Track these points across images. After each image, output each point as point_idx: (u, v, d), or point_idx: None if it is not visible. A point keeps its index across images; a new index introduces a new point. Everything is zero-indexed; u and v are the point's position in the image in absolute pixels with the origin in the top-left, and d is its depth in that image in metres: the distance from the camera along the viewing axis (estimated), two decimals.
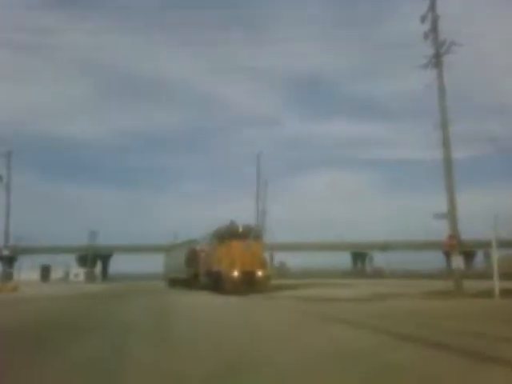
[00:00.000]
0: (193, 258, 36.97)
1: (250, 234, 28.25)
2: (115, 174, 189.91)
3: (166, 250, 57.52)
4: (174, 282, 44.76)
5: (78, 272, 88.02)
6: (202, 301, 22.65)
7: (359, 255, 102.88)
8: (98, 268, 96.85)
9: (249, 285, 25.76)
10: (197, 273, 34.93)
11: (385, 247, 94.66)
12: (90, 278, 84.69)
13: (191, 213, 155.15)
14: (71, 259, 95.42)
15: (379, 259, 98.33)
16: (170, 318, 13.56)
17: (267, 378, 5.45)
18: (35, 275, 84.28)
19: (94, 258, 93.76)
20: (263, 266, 27.78)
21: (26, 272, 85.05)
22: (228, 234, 28.20)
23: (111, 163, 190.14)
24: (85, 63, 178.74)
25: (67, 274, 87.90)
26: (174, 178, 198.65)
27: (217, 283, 28.17)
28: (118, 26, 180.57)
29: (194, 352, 7.40)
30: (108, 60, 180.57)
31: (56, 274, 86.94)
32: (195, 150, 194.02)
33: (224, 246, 27.69)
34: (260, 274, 26.62)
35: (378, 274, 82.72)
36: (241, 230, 28.57)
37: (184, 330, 10.57)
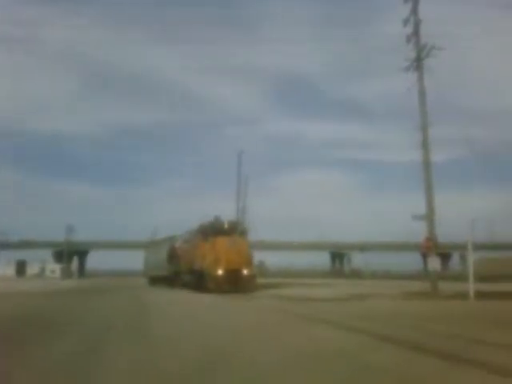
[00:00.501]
0: (174, 254, 35.91)
1: (235, 230, 27.14)
2: (96, 169, 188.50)
3: (147, 246, 56.04)
4: (155, 280, 43.52)
5: (54, 268, 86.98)
6: (183, 299, 22.51)
7: (338, 255, 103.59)
8: (75, 264, 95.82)
9: (234, 284, 24.68)
10: (178, 270, 33.73)
11: (364, 248, 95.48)
12: (67, 274, 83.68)
13: (172, 209, 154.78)
14: (47, 255, 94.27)
15: (358, 260, 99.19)
16: (146, 318, 12.63)
17: (247, 377, 5.46)
18: (10, 271, 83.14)
19: (70, 253, 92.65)
20: (249, 264, 26.43)
21: (1, 267, 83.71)
22: (212, 230, 26.96)
23: (92, 158, 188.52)
24: (69, 58, 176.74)
25: (43, 270, 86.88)
26: (156, 175, 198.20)
27: (200, 281, 26.93)
28: (103, 21, 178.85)
29: (175, 351, 7.35)
30: (92, 55, 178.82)
31: (32, 269, 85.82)
32: (179, 146, 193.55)
33: (208, 243, 26.45)
34: (246, 272, 25.48)
35: (356, 274, 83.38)
36: (226, 225, 27.43)
37: (162, 332, 10.50)
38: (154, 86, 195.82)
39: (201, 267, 26.79)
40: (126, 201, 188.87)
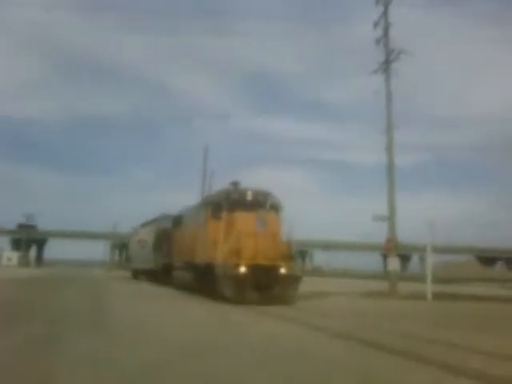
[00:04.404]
0: (164, 240, 27.13)
1: (264, 204, 17.34)
2: (58, 156, 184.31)
3: (132, 229, 44.01)
4: (139, 274, 35.60)
5: (11, 256, 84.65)
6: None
7: (300, 253, 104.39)
8: (33, 253, 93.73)
9: (264, 289, 15.21)
10: (169, 263, 24.94)
11: (327, 246, 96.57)
12: (24, 262, 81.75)
13: (136, 200, 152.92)
14: (4, 242, 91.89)
15: (320, 258, 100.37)
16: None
17: None
18: None
19: (28, 242, 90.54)
20: (288, 256, 16.74)
21: None
22: (228, 202, 17.27)
23: (56, 145, 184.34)
24: (36, 41, 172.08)
25: None
26: (121, 165, 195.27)
27: (204, 282, 17.76)
28: (76, 6, 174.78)
29: None
30: (64, 40, 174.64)
31: None
32: (145, 137, 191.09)
33: (222, 222, 16.62)
34: (284, 270, 15.89)
35: (318, 272, 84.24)
36: (250, 196, 17.60)
37: None
38: (124, 75, 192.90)
39: (208, 260, 17.20)
40: (88, 190, 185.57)
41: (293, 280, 15.97)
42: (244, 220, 16.47)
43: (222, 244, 16.12)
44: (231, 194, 17.80)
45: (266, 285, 15.27)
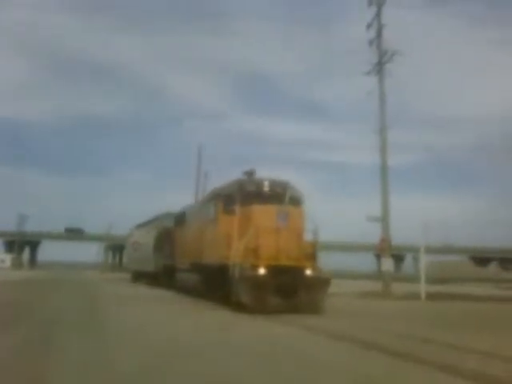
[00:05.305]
0: (165, 241, 25.49)
1: (284, 196, 14.86)
2: (51, 158, 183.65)
3: (131, 229, 41.48)
4: (139, 277, 33.01)
5: (5, 258, 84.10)
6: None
7: None
8: (26, 255, 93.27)
9: (288, 294, 13.00)
10: (171, 265, 23.10)
11: (321, 246, 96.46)
12: (17, 264, 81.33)
13: (129, 201, 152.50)
14: None
15: None
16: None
17: None
18: None
19: (22, 244, 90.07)
20: (313, 256, 14.53)
21: None
22: (242, 194, 14.98)
23: (49, 146, 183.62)
24: (27, 42, 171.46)
25: None
26: (114, 166, 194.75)
27: (216, 286, 15.53)
28: (67, 6, 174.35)
29: None
30: (55, 41, 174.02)
31: None
32: (138, 138, 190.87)
33: (235, 217, 14.37)
34: (309, 272, 13.80)
35: None
36: (267, 187, 15.31)
37: None
38: (117, 75, 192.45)
39: (220, 260, 14.98)
40: (82, 191, 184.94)
41: (321, 283, 13.61)
42: (262, 214, 14.09)
43: (236, 242, 13.77)
44: (245, 184, 15.49)
45: (290, 289, 13.03)
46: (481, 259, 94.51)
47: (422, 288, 19.92)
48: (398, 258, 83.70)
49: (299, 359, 6.48)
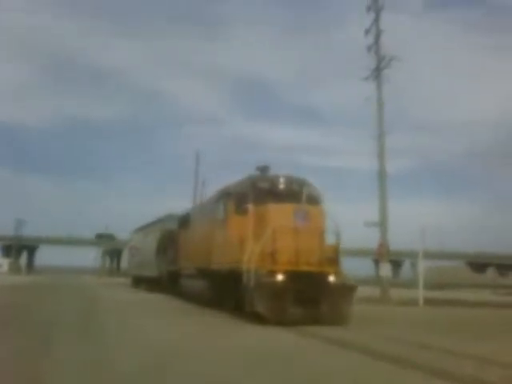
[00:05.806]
0: (169, 245, 24.10)
1: (301, 194, 13.29)
2: (48, 162, 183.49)
3: (131, 233, 39.31)
4: (140, 282, 31.49)
5: (2, 262, 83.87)
6: None
7: None
8: (24, 259, 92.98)
9: (309, 303, 11.61)
10: (175, 270, 21.80)
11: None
12: (15, 269, 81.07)
13: (126, 207, 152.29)
14: None
15: None
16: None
17: None
18: None
19: (19, 248, 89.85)
20: (334, 260, 12.82)
21: None
22: (255, 192, 13.62)
23: (46, 150, 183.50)
24: (27, 45, 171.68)
25: None
26: (111, 170, 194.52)
27: (227, 293, 14.28)
28: (65, 11, 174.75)
29: None
30: (53, 45, 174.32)
31: None
32: (136, 143, 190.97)
33: (248, 217, 13.04)
34: (333, 278, 12.40)
35: None
36: (283, 184, 13.99)
37: None
38: (115, 80, 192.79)
39: (231, 265, 13.50)
40: (79, 196, 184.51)
41: (346, 291, 12.20)
42: (279, 213, 12.66)
43: (250, 244, 12.33)
44: (258, 181, 14.17)
45: (311, 298, 11.60)
46: (478, 265, 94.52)
47: (420, 294, 19.92)
48: (396, 264, 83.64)
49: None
